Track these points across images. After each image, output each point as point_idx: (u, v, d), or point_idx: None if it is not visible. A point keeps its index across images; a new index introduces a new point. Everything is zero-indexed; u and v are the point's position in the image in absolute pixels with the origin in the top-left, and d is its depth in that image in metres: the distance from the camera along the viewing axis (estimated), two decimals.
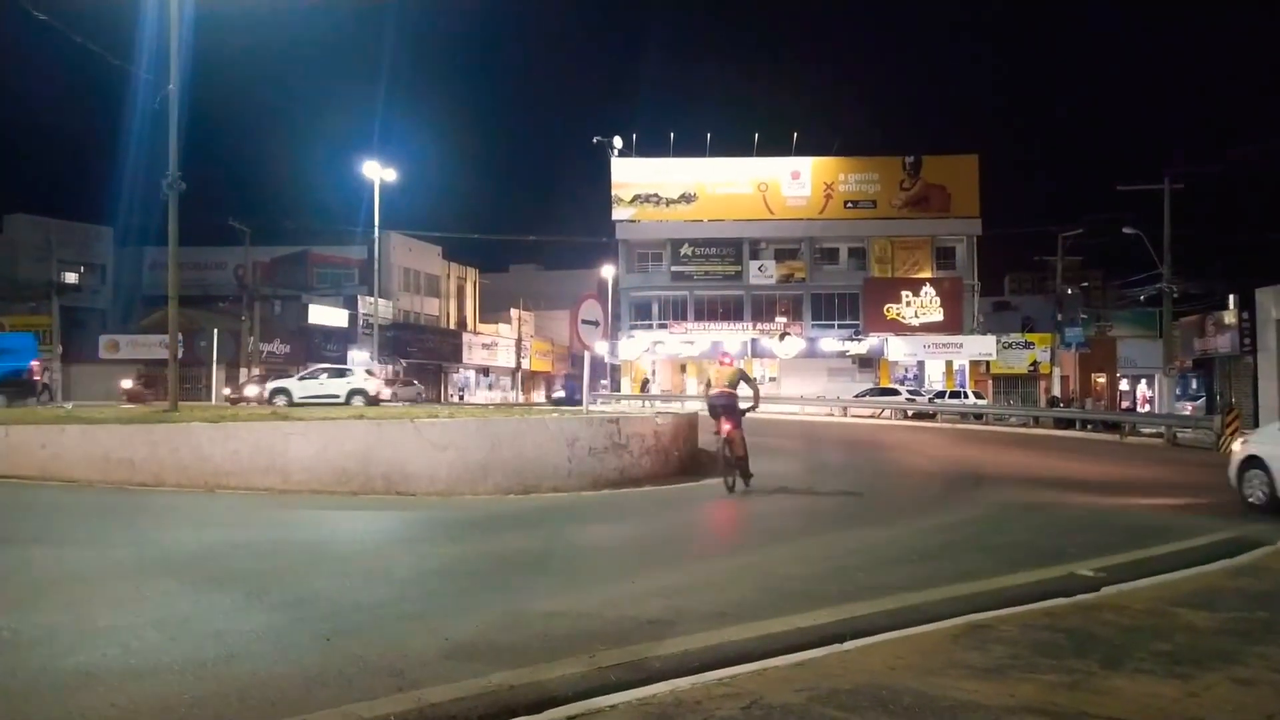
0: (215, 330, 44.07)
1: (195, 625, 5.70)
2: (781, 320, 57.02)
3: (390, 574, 7.53)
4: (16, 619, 5.74)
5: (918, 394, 49.02)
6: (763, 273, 58.51)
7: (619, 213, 59.08)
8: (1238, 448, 13.33)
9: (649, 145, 59.76)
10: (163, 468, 12.83)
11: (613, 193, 59.01)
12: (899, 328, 55.70)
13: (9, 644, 5.24)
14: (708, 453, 17.87)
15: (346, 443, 12.91)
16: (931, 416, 42.56)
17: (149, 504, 11.52)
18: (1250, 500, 12.41)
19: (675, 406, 40.58)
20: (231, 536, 9.32)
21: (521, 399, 63.39)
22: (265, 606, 6.25)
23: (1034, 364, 54.41)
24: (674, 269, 59.06)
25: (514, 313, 67.70)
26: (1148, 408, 54.00)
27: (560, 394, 53.30)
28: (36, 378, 35.41)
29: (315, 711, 4.19)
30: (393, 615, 6.06)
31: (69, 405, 29.11)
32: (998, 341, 54.67)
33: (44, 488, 12.60)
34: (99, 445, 13.43)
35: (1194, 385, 47.96)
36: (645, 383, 56.67)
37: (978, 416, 42.46)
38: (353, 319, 52.39)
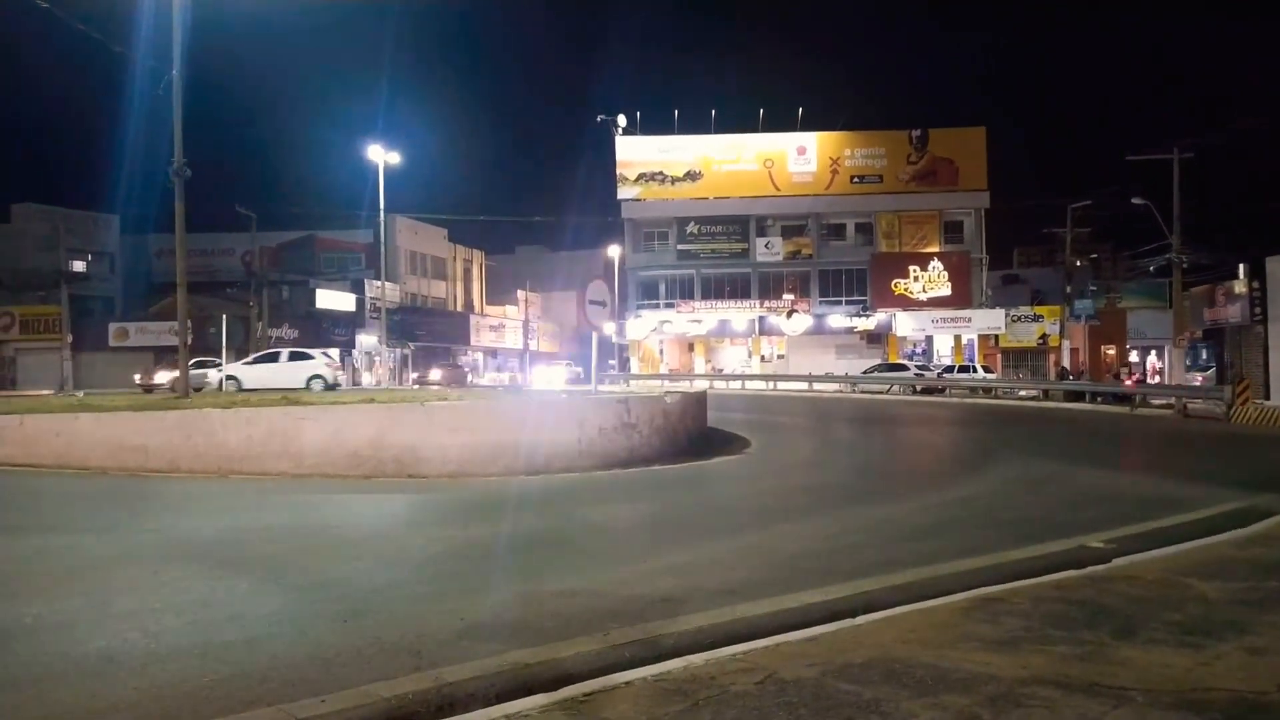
0: (224, 316, 44.15)
1: (213, 609, 5.76)
2: (789, 297, 56.89)
3: (404, 556, 7.60)
4: (38, 605, 5.82)
5: (926, 369, 48.93)
6: (769, 250, 58.30)
7: (624, 192, 58.88)
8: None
9: (653, 123, 59.49)
10: (176, 454, 12.92)
11: (618, 172, 58.79)
12: (907, 303, 55.51)
13: (31, 630, 5.32)
14: (717, 431, 17.93)
15: (359, 427, 12.97)
16: (940, 391, 42.51)
17: (163, 490, 11.61)
18: None
19: (684, 386, 40.62)
20: (246, 521, 9.40)
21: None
22: (282, 590, 6.32)
23: (1043, 337, 54.17)
24: (680, 248, 58.90)
25: (520, 294, 67.66)
26: (1158, 379, 53.84)
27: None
28: None
29: (335, 692, 4.24)
30: (408, 596, 6.12)
31: (80, 394, 29.27)
32: (1006, 315, 54.42)
33: (60, 475, 12.70)
34: (113, 433, 13.53)
35: (1204, 355, 47.77)
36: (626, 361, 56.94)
37: (987, 390, 42.39)
38: (360, 303, 52.44)
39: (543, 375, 55.09)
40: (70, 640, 5.10)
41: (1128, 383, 39.03)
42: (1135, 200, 38.56)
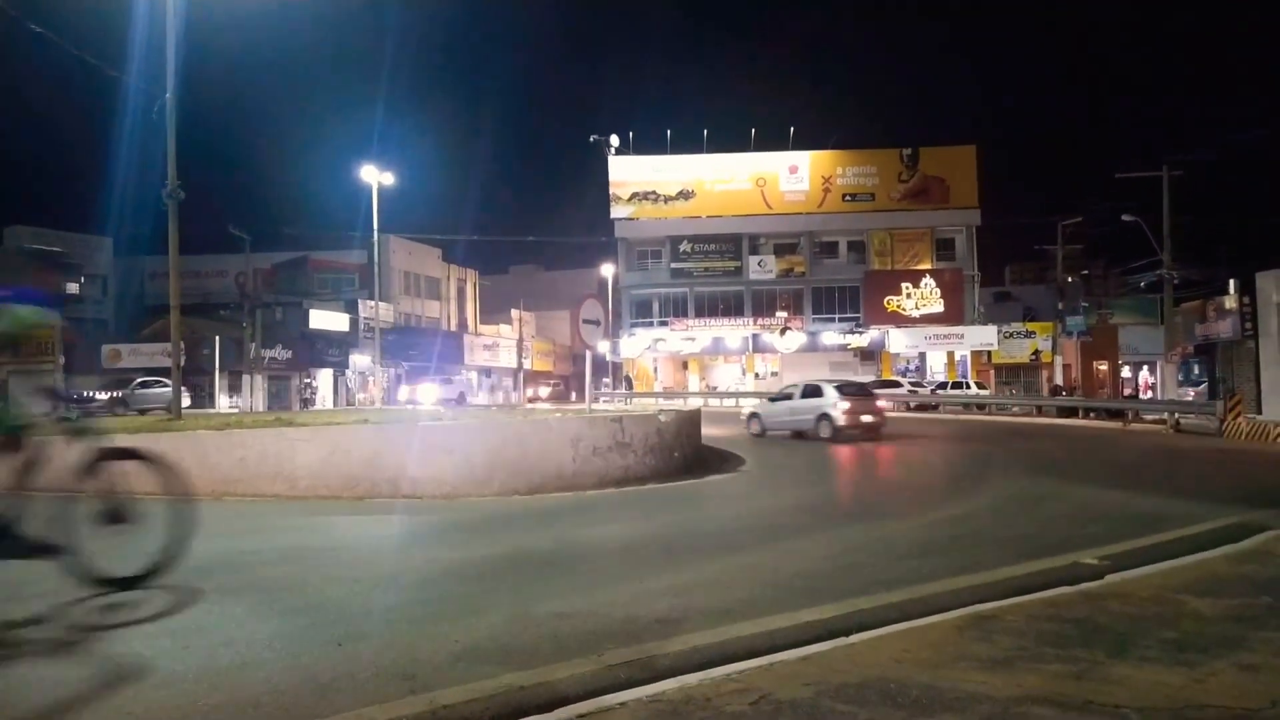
0: (217, 338, 44.15)
1: (207, 633, 5.73)
2: (782, 315, 57.07)
3: (398, 578, 7.57)
4: (28, 630, 5.78)
5: (920, 385, 49.04)
6: (762, 268, 58.54)
7: (618, 211, 59.14)
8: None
9: (646, 143, 59.94)
10: None
11: (611, 191, 59.07)
12: (900, 320, 55.72)
13: (22, 653, 5.28)
14: (712, 450, 17.94)
15: (352, 448, 12.95)
16: (934, 408, 42.60)
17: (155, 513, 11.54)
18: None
19: (678, 403, 40.58)
20: (240, 544, 9.35)
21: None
22: (275, 613, 6.29)
23: (1036, 353, 54.41)
24: (674, 266, 59.10)
25: (514, 313, 67.76)
26: (1150, 394, 54.01)
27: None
28: None
29: (329, 717, 4.23)
30: (402, 619, 6.10)
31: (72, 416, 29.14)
32: (999, 331, 54.67)
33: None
34: None
35: (1196, 371, 47.97)
36: (628, 379, 56.82)
37: (980, 407, 42.50)
38: (354, 323, 52.46)
39: (408, 393, 50.30)
40: (61, 665, 5.07)
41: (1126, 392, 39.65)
42: (1126, 217, 38.84)
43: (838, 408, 23.34)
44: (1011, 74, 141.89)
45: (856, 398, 24.42)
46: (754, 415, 26.67)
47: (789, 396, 25.82)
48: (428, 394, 48.22)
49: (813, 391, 24.88)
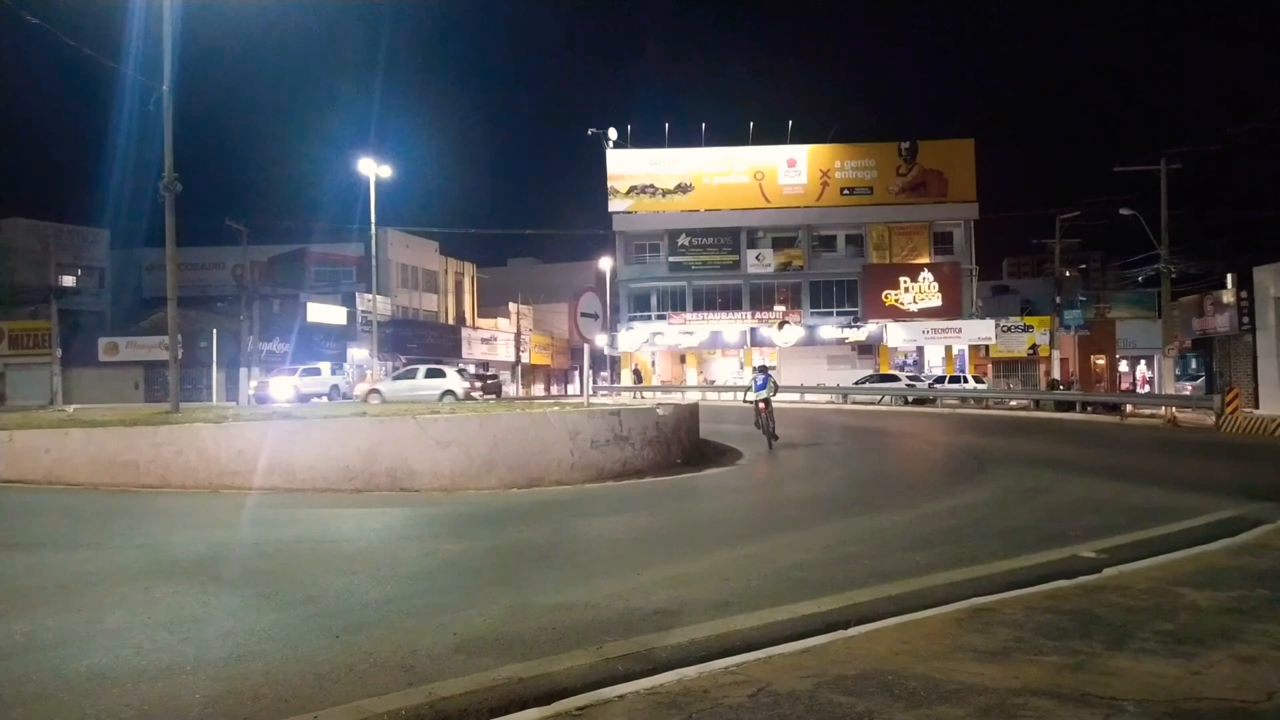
0: (215, 331, 44.09)
1: (205, 625, 5.74)
2: (780, 309, 56.99)
3: (397, 570, 7.58)
4: (30, 622, 5.79)
5: (917, 379, 49.06)
6: (760, 261, 58.44)
7: (615, 204, 59.01)
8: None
9: (644, 136, 59.73)
10: (167, 469, 12.88)
11: (609, 184, 58.93)
12: (898, 314, 55.68)
13: (23, 647, 5.29)
14: (710, 443, 17.94)
15: (350, 440, 12.95)
16: (932, 402, 42.60)
17: (155, 506, 11.56)
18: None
19: (675, 397, 40.60)
20: (238, 536, 9.37)
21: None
22: (274, 605, 6.30)
23: (1033, 347, 54.40)
24: (671, 260, 58.99)
25: (512, 307, 67.67)
26: (1147, 388, 54.10)
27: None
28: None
29: (328, 708, 4.23)
30: (401, 611, 6.11)
31: (70, 409, 29.12)
32: (997, 325, 54.62)
33: (50, 492, 12.64)
34: (103, 449, 13.47)
35: (1193, 365, 48.00)
36: (637, 373, 56.48)
37: (978, 400, 42.50)
38: (352, 316, 52.36)
39: (256, 388, 41.48)
40: (62, 658, 5.08)
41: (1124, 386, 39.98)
42: (1123, 211, 38.76)
43: (459, 386, 30.53)
44: (1010, 68, 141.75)
45: (471, 378, 33.20)
46: (374, 391, 31.77)
47: (412, 375, 32.55)
48: (281, 389, 39.14)
49: (436, 373, 32.52)
